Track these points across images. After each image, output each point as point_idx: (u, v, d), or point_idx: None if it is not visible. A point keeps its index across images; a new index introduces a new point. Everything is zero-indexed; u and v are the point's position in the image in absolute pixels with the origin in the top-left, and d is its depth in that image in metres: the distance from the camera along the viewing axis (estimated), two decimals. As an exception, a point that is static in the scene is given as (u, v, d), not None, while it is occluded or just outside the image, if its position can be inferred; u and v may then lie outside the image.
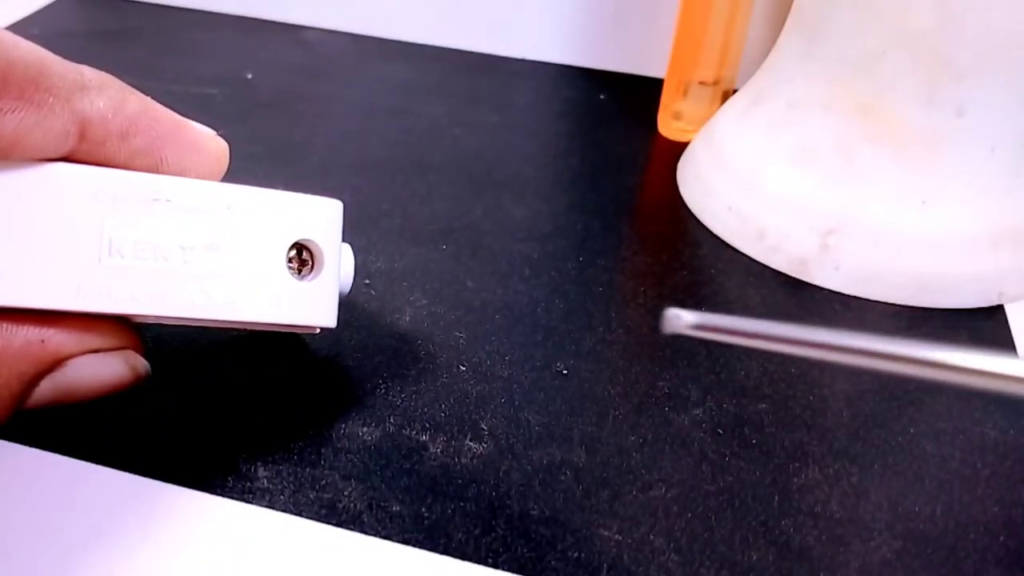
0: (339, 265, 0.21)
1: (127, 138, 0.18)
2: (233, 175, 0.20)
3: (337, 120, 0.37)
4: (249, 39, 0.44)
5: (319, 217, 0.20)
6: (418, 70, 0.42)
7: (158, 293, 0.18)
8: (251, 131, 0.35)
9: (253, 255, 0.19)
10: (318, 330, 0.23)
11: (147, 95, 0.19)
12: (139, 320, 0.20)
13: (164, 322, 0.21)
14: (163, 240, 0.18)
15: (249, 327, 0.21)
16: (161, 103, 0.19)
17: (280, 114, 0.37)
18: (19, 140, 0.17)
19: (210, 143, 0.20)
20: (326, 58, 0.42)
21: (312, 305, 0.20)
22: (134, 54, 0.41)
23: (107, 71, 0.19)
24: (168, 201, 0.18)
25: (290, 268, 0.20)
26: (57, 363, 0.18)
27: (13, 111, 0.16)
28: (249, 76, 0.40)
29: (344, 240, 0.22)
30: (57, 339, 0.18)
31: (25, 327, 0.18)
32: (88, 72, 0.18)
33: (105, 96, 0.18)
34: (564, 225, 0.31)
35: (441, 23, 0.44)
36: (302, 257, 0.20)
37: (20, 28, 0.42)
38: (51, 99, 0.17)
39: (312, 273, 0.20)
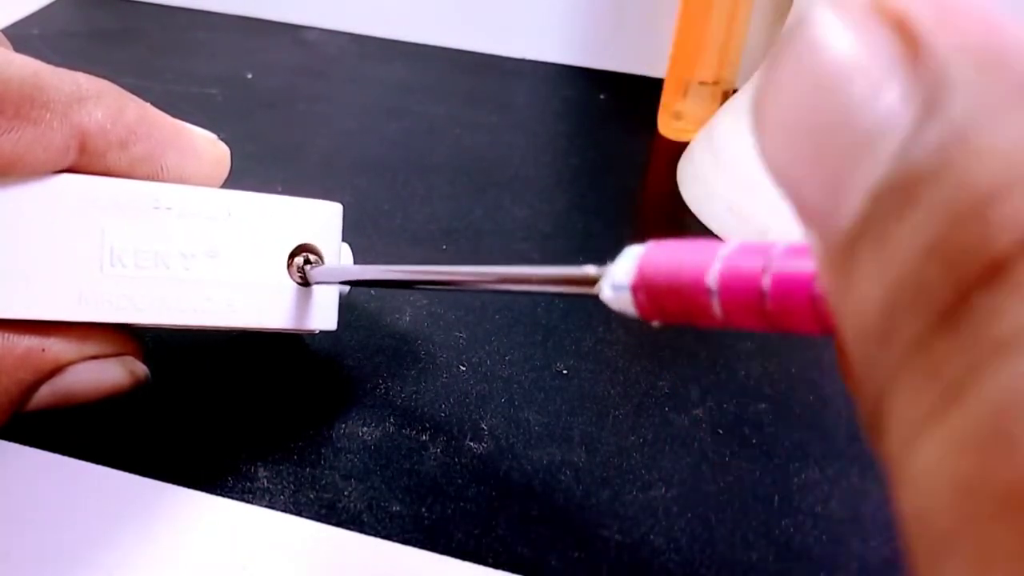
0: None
1: (127, 147, 0.18)
2: (233, 175, 0.20)
3: (337, 120, 0.37)
4: (249, 39, 0.44)
5: (319, 221, 0.20)
6: (418, 70, 0.42)
7: (160, 301, 0.18)
8: (251, 131, 0.35)
9: (254, 261, 0.19)
10: (317, 331, 0.23)
11: (147, 96, 0.19)
12: (141, 327, 0.20)
13: (166, 328, 0.21)
14: (164, 248, 0.18)
15: (251, 331, 0.21)
16: (161, 104, 0.19)
17: (280, 114, 0.37)
18: (19, 158, 0.16)
19: (210, 147, 0.20)
20: (326, 58, 0.42)
21: (313, 309, 0.20)
22: (134, 54, 0.41)
23: (107, 71, 0.19)
24: (169, 209, 0.18)
25: (291, 273, 0.20)
26: (56, 370, 0.18)
27: (11, 131, 0.16)
28: (249, 76, 0.40)
29: (344, 240, 0.22)
30: (57, 347, 0.18)
31: (26, 336, 0.18)
32: (84, 81, 0.18)
33: (103, 105, 0.17)
34: (564, 225, 0.31)
35: (441, 23, 0.44)
36: (303, 261, 0.20)
37: (20, 28, 0.42)
38: (48, 115, 0.17)
39: None
